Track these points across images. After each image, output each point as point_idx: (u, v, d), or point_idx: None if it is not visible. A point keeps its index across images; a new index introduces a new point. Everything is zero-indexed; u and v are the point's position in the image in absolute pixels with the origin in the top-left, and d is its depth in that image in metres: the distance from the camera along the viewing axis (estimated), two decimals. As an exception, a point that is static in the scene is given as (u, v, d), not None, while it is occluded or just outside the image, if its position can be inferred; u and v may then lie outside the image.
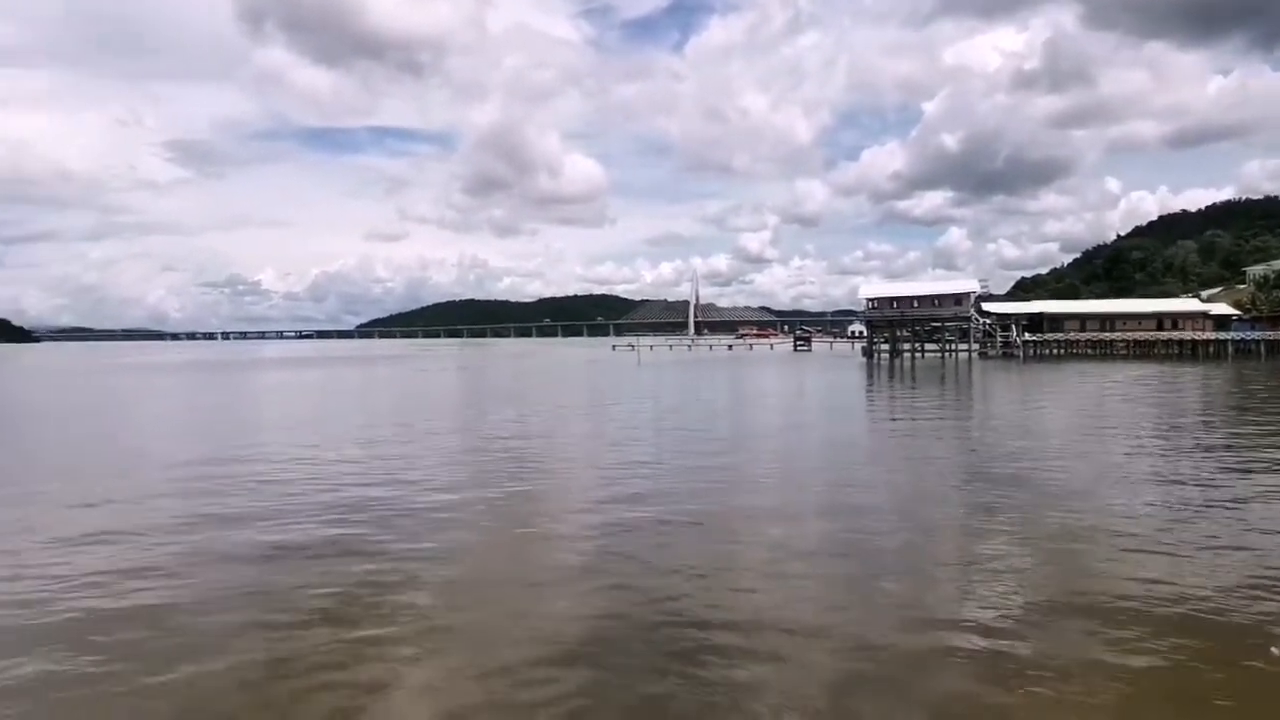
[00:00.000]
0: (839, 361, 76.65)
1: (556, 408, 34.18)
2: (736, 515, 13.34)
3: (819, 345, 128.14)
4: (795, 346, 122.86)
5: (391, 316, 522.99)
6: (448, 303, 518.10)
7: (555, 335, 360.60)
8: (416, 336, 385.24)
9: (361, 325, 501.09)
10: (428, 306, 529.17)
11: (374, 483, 16.33)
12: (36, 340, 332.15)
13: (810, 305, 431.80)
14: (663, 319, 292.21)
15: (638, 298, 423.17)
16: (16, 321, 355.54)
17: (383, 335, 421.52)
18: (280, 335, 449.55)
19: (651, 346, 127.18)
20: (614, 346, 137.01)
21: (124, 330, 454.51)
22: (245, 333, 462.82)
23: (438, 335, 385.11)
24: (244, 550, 11.39)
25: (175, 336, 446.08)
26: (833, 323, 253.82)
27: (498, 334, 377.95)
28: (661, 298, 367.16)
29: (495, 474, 17.20)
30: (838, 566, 10.37)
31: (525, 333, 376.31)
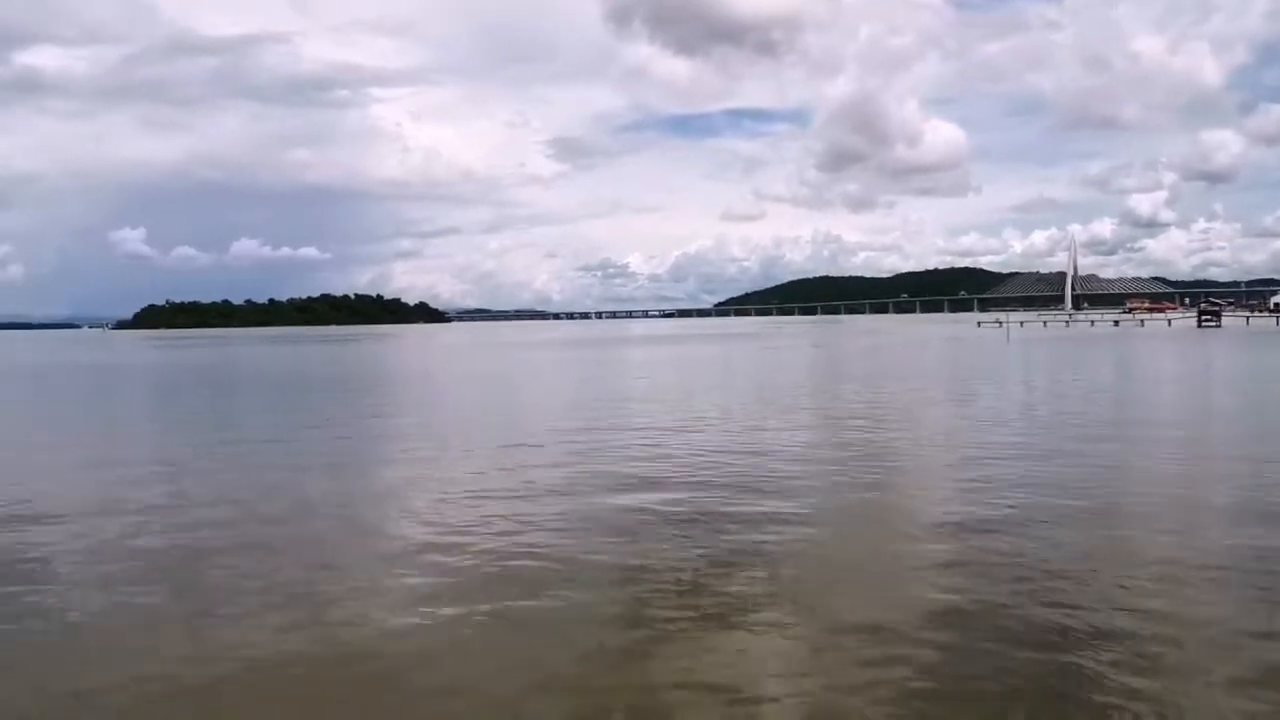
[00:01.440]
0: (1262, 339, 65.19)
1: (914, 386, 32.78)
2: (1122, 512, 11.80)
3: (1231, 320, 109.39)
4: (1200, 321, 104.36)
5: (746, 295, 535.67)
6: (801, 280, 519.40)
7: (913, 311, 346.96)
8: (770, 314, 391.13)
9: (719, 304, 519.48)
10: (782, 284, 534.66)
11: (734, 453, 16.79)
12: (448, 320, 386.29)
13: (1218, 274, 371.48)
14: (1034, 292, 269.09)
15: (1005, 270, 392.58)
16: (433, 305, 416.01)
17: (738, 313, 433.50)
18: (645, 314, 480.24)
19: (1022, 323, 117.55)
20: (979, 323, 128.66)
21: (515, 311, 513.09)
22: (615, 312, 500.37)
23: (791, 312, 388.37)
24: (615, 514, 12.12)
25: (556, 316, 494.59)
26: (1248, 293, 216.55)
27: (852, 310, 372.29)
28: (1032, 269, 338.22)
29: (851, 453, 16.82)
30: (1251, 582, 8.69)
31: (881, 309, 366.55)
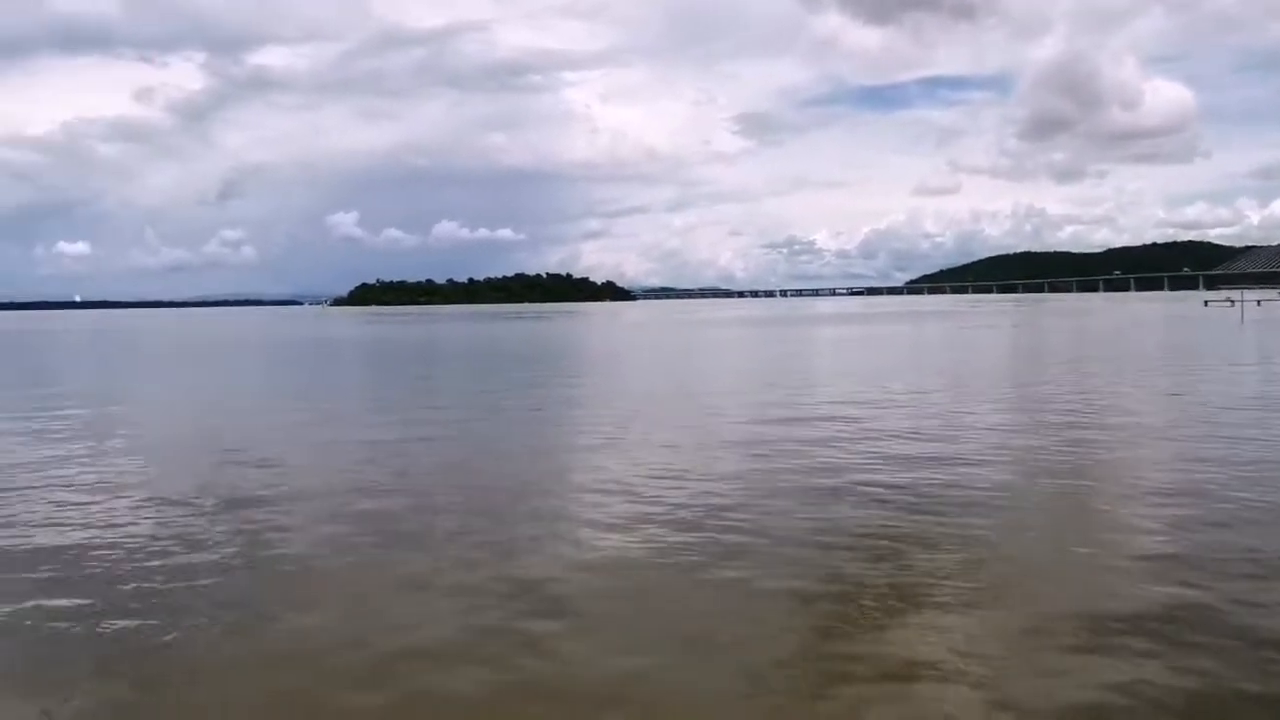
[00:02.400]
0: None
1: (1128, 370, 30.55)
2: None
3: None
4: None
5: (940, 272, 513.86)
6: (1000, 256, 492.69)
7: (1127, 289, 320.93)
8: (966, 292, 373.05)
9: (910, 281, 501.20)
10: (978, 261, 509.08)
11: (927, 435, 16.44)
12: (634, 298, 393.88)
13: None
14: (1275, 268, 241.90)
15: (1238, 244, 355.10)
16: (619, 283, 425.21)
17: (931, 291, 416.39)
18: (832, 292, 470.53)
19: (1259, 301, 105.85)
20: (1206, 302, 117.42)
21: (699, 289, 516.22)
22: (800, 290, 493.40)
23: (989, 290, 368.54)
24: (806, 491, 12.21)
25: (741, 294, 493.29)
26: None
27: (1055, 289, 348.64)
28: (1273, 242, 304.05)
29: (1056, 438, 16.02)
30: None
31: (1090, 287, 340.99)
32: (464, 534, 10.65)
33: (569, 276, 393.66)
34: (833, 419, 18.67)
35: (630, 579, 8.83)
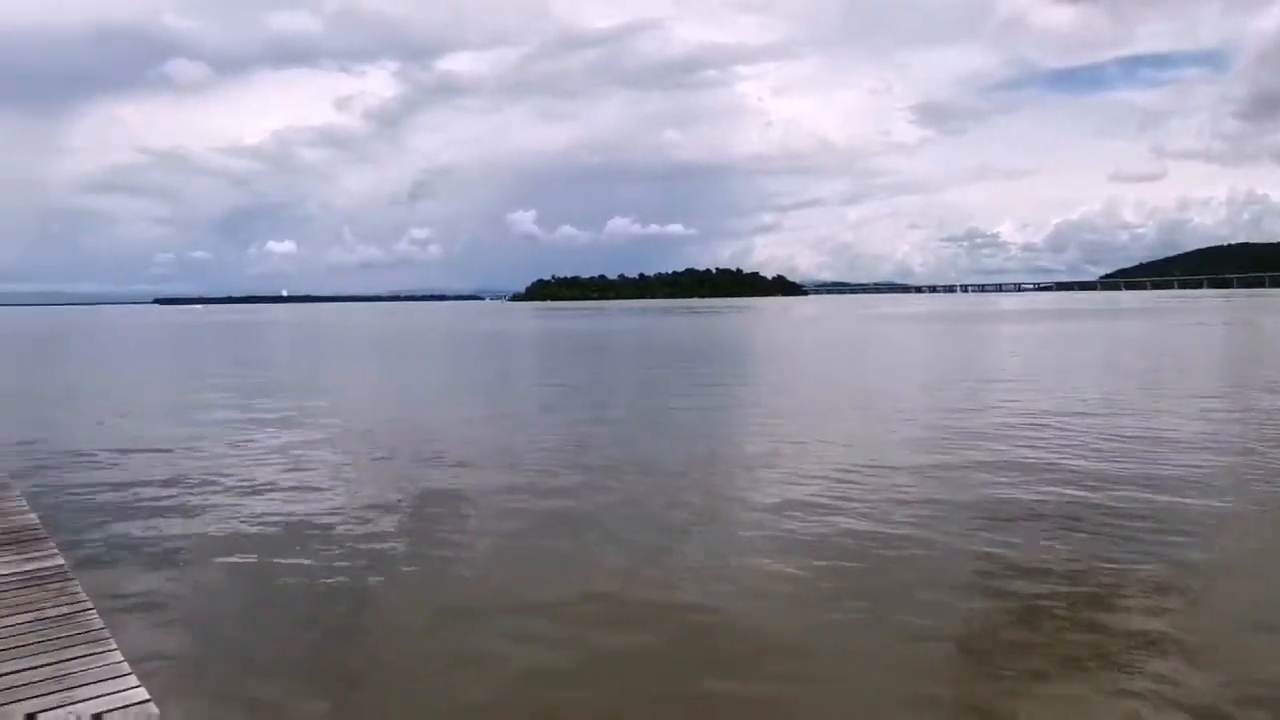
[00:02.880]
0: None
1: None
2: None
3: None
4: None
5: (1139, 266, 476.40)
6: (1212, 248, 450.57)
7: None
8: (1171, 287, 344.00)
9: (1105, 276, 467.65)
10: (1185, 253, 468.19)
11: (1120, 442, 15.38)
12: (805, 294, 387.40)
13: None
14: None
15: None
16: (790, 278, 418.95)
17: (1129, 286, 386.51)
18: (1018, 287, 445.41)
19: None
20: None
21: (874, 284, 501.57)
22: (983, 285, 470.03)
23: (1198, 285, 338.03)
24: (983, 502, 11.71)
25: (918, 289, 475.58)
26: None
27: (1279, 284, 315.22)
28: None
29: (1265, 455, 14.59)
30: None
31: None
32: (630, 535, 10.90)
33: (739, 271, 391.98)
34: (1023, 428, 17.70)
35: (795, 602, 8.76)
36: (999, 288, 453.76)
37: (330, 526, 10.80)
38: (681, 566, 9.09)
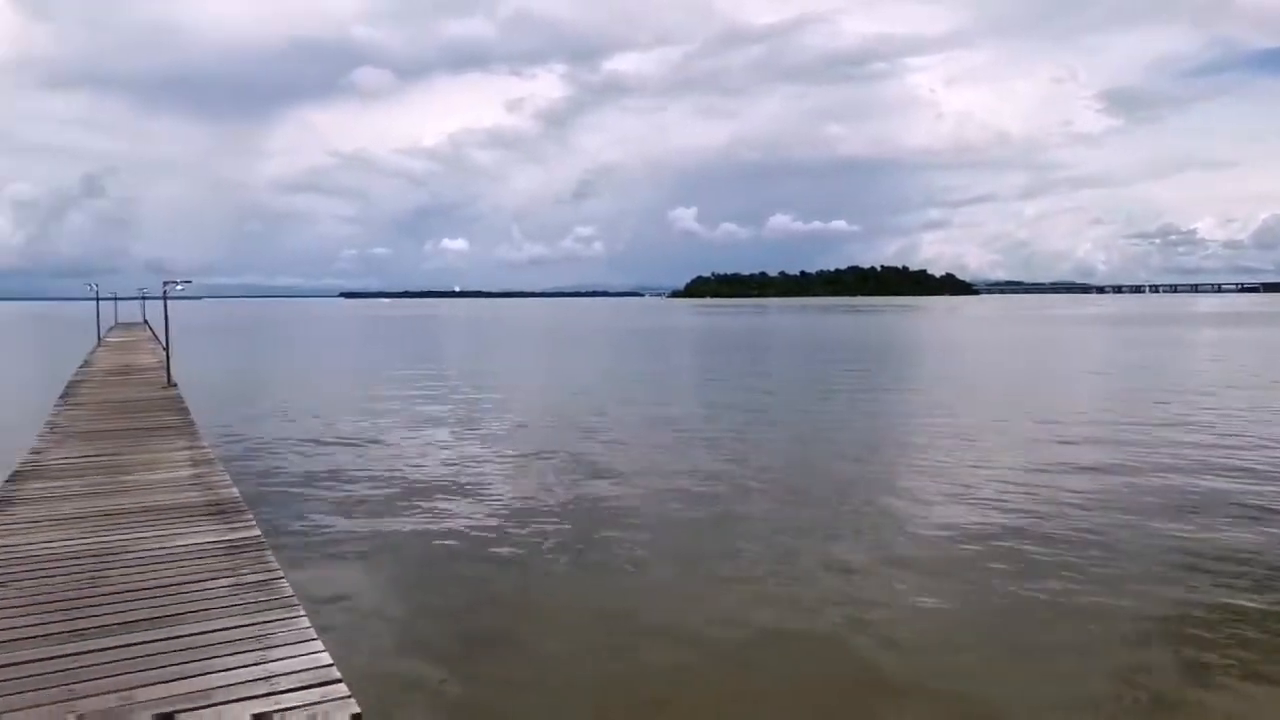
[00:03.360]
0: None
1: None
2: None
3: None
4: None
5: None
6: None
7: None
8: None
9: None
10: None
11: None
12: (976, 293, 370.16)
13: None
14: None
15: None
16: (960, 276, 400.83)
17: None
18: (1217, 288, 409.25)
19: None
20: None
21: (1050, 283, 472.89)
22: (1175, 285, 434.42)
23: None
24: (1169, 522, 10.87)
25: (1100, 289, 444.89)
26: None
27: None
28: None
29: None
30: None
31: None
32: (792, 545, 10.77)
33: (905, 269, 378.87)
34: (1212, 439, 16.30)
35: (964, 604, 8.41)
36: (1193, 288, 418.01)
37: (496, 515, 11.26)
38: (846, 583, 8.88)
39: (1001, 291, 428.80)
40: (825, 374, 31.31)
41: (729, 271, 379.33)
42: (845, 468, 14.17)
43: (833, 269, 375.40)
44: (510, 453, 15.58)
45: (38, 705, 3.89)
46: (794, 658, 6.89)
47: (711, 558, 9.45)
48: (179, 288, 20.10)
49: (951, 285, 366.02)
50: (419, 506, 11.66)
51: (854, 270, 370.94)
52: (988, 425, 18.40)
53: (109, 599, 5.24)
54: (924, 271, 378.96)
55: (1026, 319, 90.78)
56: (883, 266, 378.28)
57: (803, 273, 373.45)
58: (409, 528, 10.64)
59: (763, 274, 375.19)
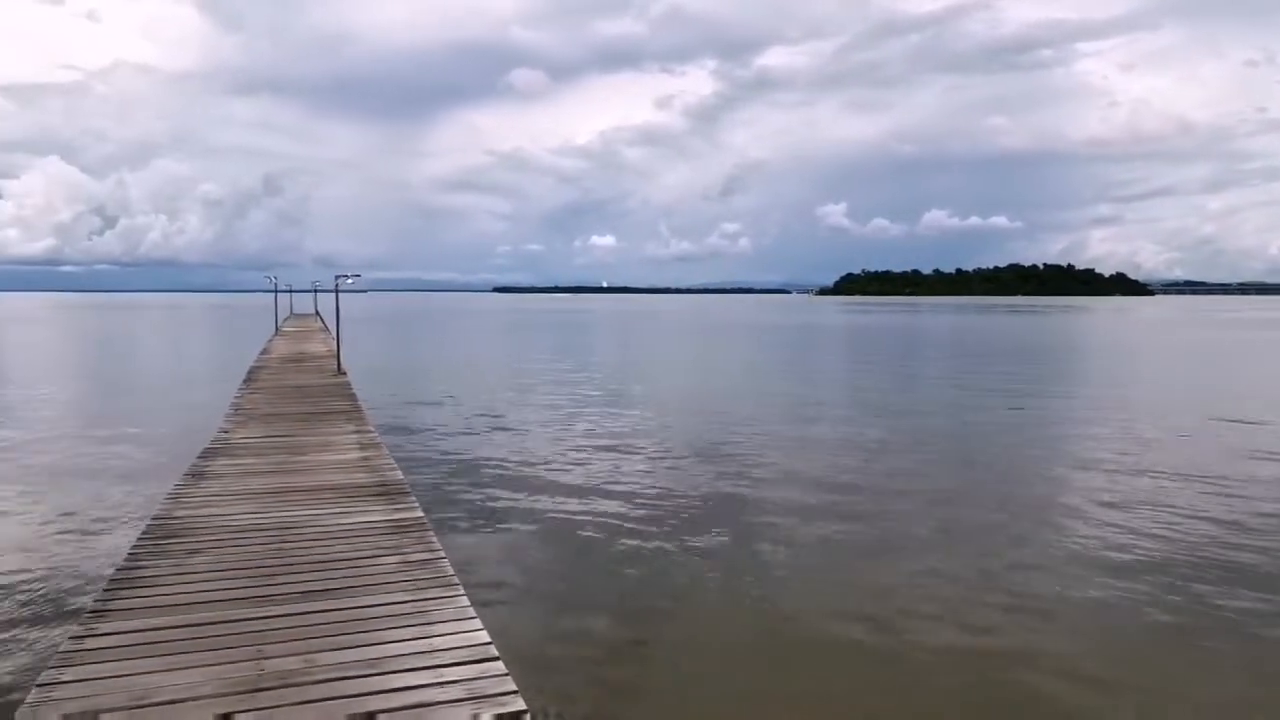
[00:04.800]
0: None
1: None
2: None
3: None
4: None
5: None
6: None
7: None
8: None
9: None
10: None
11: None
12: (1150, 293, 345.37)
13: None
14: None
15: None
16: (1132, 275, 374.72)
17: None
18: None
19: None
20: None
21: (1238, 284, 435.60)
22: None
23: None
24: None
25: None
26: None
27: None
28: None
29: None
30: None
31: None
32: (941, 544, 10.43)
33: (1070, 268, 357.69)
34: None
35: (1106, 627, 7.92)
36: None
37: (644, 508, 11.43)
38: (1002, 600, 8.51)
39: (1179, 292, 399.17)
40: (985, 378, 30.04)
41: (880, 268, 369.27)
42: (1010, 475, 13.59)
43: (991, 267, 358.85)
44: (661, 448, 15.75)
45: (232, 662, 4.25)
46: (962, 680, 6.66)
47: (864, 566, 9.26)
48: (349, 281, 21.39)
49: (1122, 285, 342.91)
50: (569, 495, 11.98)
51: (1014, 268, 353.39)
52: (1157, 443, 17.21)
53: (290, 569, 5.65)
54: (1092, 270, 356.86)
55: (1212, 322, 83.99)
56: (1045, 265, 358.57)
57: (959, 270, 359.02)
58: (559, 515, 10.95)
59: (915, 271, 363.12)
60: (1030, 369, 33.21)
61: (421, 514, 7.07)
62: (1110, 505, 11.48)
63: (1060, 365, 36.20)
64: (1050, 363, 37.05)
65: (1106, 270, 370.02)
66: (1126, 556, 9.29)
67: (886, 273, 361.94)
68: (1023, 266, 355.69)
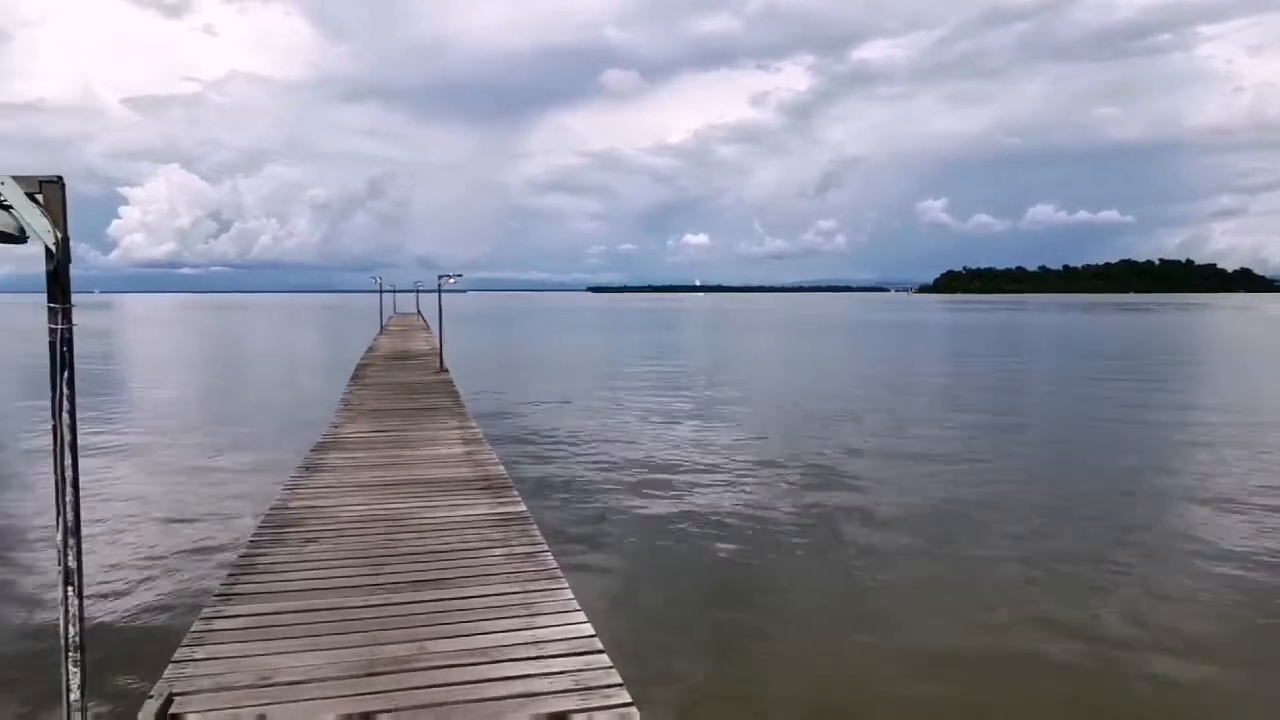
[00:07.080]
0: None
1: None
2: None
3: None
4: None
5: None
6: None
7: None
8: None
9: None
10: None
11: None
12: (1277, 290, 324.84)
13: None
14: None
15: None
16: (1258, 271, 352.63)
17: None
18: None
19: None
20: None
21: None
22: None
23: None
24: None
25: None
26: None
27: None
28: None
29: None
30: None
31: None
32: (1036, 566, 10.07)
33: (1189, 263, 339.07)
34: None
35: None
36: None
37: (740, 508, 11.37)
38: (1106, 616, 8.16)
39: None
40: (1099, 382, 28.84)
41: (982, 265, 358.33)
42: (1113, 483, 13.01)
43: (1101, 263, 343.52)
44: (757, 450, 15.64)
45: (348, 647, 4.40)
46: (1064, 690, 6.41)
47: (963, 575, 8.99)
48: (451, 282, 21.94)
49: (1246, 281, 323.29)
50: (665, 494, 12.00)
51: (1126, 264, 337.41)
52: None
53: (401, 559, 5.83)
54: (1212, 265, 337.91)
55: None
56: (1161, 260, 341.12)
57: (1066, 267, 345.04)
58: (659, 512, 10.98)
59: (1020, 268, 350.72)
60: (1145, 368, 31.68)
61: (524, 508, 7.19)
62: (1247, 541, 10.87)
63: (1176, 366, 34.42)
64: (1171, 362, 35.27)
65: (1230, 265, 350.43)
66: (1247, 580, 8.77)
67: (989, 270, 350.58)
68: (1135, 262, 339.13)
